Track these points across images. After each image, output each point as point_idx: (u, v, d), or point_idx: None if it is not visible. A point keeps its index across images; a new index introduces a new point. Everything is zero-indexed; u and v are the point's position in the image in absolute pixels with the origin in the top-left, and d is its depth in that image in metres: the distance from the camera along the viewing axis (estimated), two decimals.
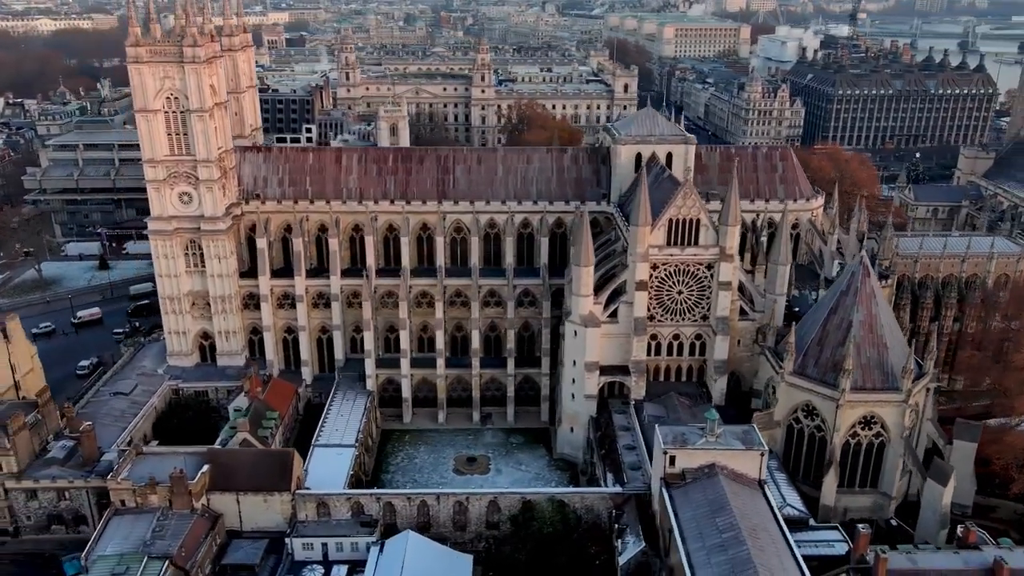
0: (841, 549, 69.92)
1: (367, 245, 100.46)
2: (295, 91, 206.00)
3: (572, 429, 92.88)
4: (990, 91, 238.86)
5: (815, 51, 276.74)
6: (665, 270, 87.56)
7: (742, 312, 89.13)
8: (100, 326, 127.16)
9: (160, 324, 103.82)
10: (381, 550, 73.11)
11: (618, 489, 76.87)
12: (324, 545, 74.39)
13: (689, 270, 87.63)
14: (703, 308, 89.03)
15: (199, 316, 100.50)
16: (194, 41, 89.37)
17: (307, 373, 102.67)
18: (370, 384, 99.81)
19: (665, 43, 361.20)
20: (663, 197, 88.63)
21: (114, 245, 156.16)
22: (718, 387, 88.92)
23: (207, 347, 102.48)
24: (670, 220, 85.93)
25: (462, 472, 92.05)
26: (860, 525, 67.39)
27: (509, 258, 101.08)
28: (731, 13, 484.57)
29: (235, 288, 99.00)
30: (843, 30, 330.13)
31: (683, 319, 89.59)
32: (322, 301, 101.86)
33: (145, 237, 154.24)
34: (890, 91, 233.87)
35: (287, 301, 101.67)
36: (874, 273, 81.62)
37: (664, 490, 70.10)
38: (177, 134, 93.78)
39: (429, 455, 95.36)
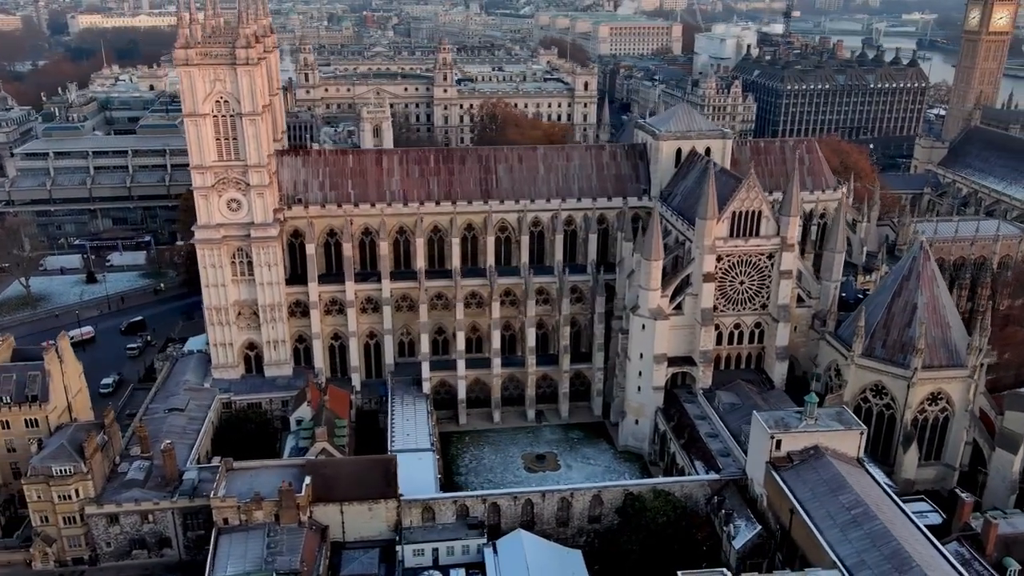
0: (934, 519, 73.95)
1: (416, 247, 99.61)
2: None
3: (637, 421, 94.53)
4: (923, 85, 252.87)
5: (758, 48, 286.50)
6: (728, 261, 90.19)
7: (799, 299, 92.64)
8: (92, 344, 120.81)
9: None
10: (494, 551, 73.18)
11: (715, 476, 78.96)
12: (435, 550, 73.68)
13: (751, 260, 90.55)
14: (763, 297, 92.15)
15: (245, 326, 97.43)
16: (247, 42, 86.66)
17: (356, 380, 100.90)
18: (426, 387, 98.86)
19: (601, 41, 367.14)
20: (719, 190, 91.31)
21: (94, 257, 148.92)
22: (779, 372, 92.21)
23: (252, 358, 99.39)
24: (734, 212, 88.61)
25: (533, 470, 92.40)
26: (963, 494, 71.69)
27: (558, 255, 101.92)
28: (647, 12, 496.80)
29: (284, 296, 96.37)
30: (775, 28, 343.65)
31: (744, 308, 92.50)
32: (370, 306, 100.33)
33: (134, 247, 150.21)
34: (834, 86, 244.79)
35: (334, 307, 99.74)
36: (932, 257, 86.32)
37: (774, 473, 72.61)
38: (226, 138, 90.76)
39: (495, 455, 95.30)
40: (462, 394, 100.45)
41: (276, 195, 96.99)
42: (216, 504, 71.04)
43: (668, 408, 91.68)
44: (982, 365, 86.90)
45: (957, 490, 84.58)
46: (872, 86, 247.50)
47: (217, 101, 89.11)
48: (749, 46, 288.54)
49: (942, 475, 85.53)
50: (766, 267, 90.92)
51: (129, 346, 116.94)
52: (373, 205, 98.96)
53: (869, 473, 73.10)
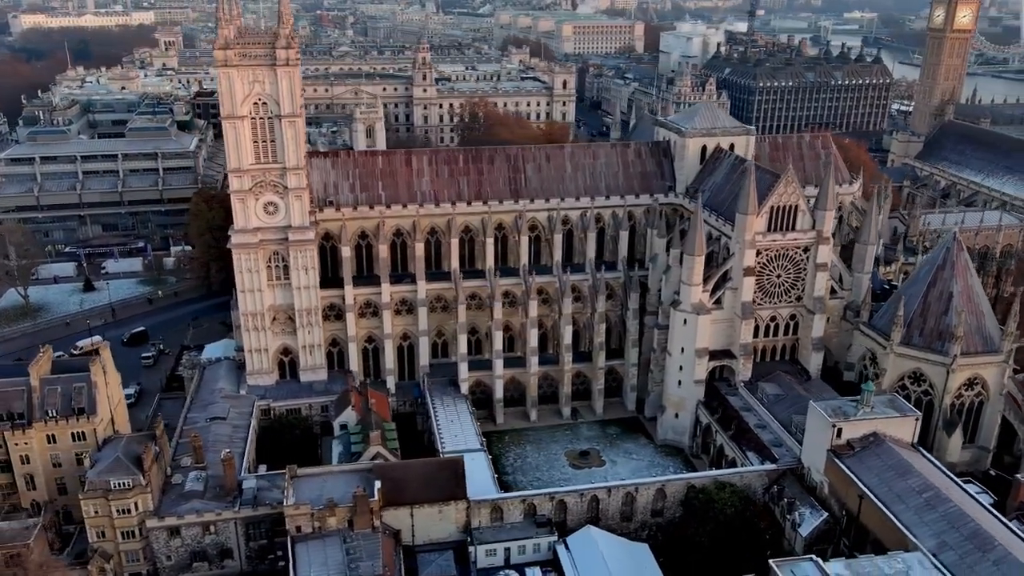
0: (986, 500, 76.57)
1: (450, 248, 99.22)
2: None
3: (677, 415, 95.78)
4: (887, 81, 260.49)
5: (727, 47, 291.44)
6: (767, 255, 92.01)
7: (832, 291, 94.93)
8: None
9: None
10: (566, 548, 73.61)
11: (772, 466, 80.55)
12: (507, 550, 73.83)
13: (788, 254, 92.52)
14: (798, 289, 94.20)
15: (279, 331, 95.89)
16: (287, 43, 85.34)
17: (391, 382, 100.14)
18: (464, 388, 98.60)
19: (565, 40, 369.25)
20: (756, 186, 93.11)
21: (87, 265, 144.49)
22: (815, 363, 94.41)
23: (286, 363, 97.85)
24: (772, 207, 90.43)
25: (579, 466, 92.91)
26: (1019, 475, 74.52)
27: (590, 253, 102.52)
28: (601, 11, 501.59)
29: (319, 300, 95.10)
30: (739, 26, 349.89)
31: (780, 301, 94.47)
32: (404, 307, 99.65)
33: (129, 254, 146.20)
34: (804, 82, 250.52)
35: (368, 310, 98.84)
36: (964, 247, 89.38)
37: (837, 461, 74.45)
38: (263, 141, 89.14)
39: (537, 453, 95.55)
40: (499, 393, 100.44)
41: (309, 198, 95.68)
42: (290, 512, 69.96)
43: (710, 401, 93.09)
44: (1014, 350, 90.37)
45: (991, 471, 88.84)
46: (839, 82, 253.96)
47: (255, 103, 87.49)
48: (719, 44, 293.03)
49: (977, 457, 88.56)
50: (802, 260, 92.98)
51: (144, 355, 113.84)
52: (405, 206, 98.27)
53: (926, 457, 75.45)
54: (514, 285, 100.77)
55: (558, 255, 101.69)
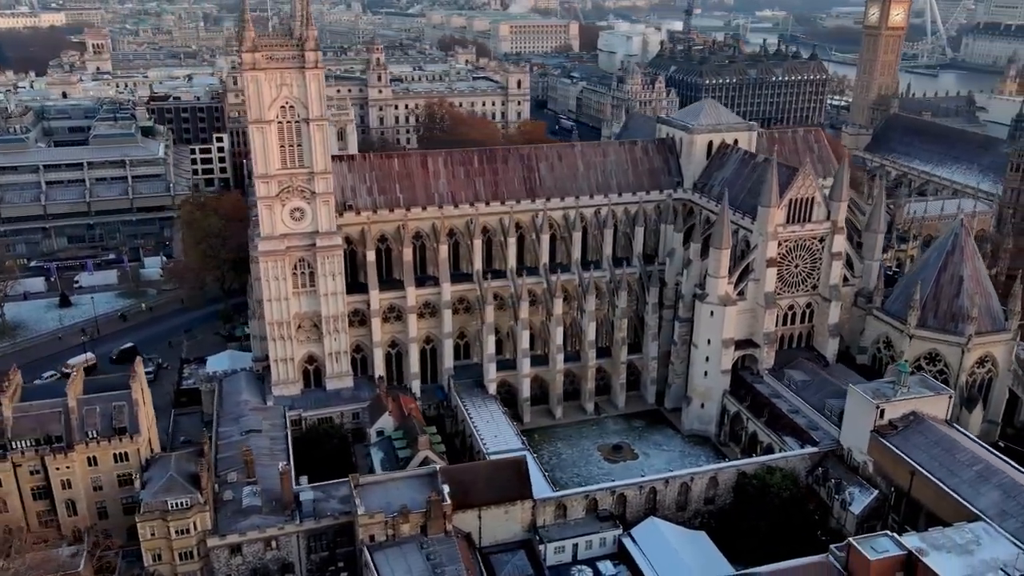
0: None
1: (472, 249, 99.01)
2: (199, 98, 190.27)
3: (703, 405, 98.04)
4: (823, 77, 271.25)
5: (671, 45, 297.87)
6: (785, 246, 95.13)
7: (844, 278, 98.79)
8: (95, 372, 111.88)
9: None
10: (632, 540, 74.71)
11: (814, 449, 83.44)
12: (575, 546, 74.40)
13: (805, 244, 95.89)
14: (814, 278, 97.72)
15: (305, 340, 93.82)
16: (315, 44, 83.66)
17: (416, 386, 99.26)
18: (492, 388, 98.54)
19: (502, 40, 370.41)
20: (761, 177, 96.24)
21: (59, 279, 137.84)
22: (831, 348, 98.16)
23: (311, 372, 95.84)
24: (791, 200, 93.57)
25: (614, 460, 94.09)
26: None
27: (607, 250, 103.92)
28: (532, 9, 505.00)
29: (346, 306, 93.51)
30: (675, 25, 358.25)
31: (797, 290, 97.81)
32: (427, 310, 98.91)
33: (99, 266, 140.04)
34: (747, 79, 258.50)
35: (392, 314, 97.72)
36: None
37: (883, 440, 77.76)
38: (290, 146, 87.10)
39: (570, 449, 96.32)
40: (526, 392, 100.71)
41: None
42: (364, 521, 68.81)
43: (736, 390, 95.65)
44: (1020, 327, 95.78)
45: (1000, 443, 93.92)
46: (780, 79, 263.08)
47: (282, 107, 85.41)
48: (662, 43, 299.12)
49: (987, 430, 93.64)
50: (818, 250, 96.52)
51: (147, 370, 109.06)
52: (425, 208, 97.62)
53: (963, 432, 79.58)
54: (535, 284, 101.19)
55: (577, 253, 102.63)
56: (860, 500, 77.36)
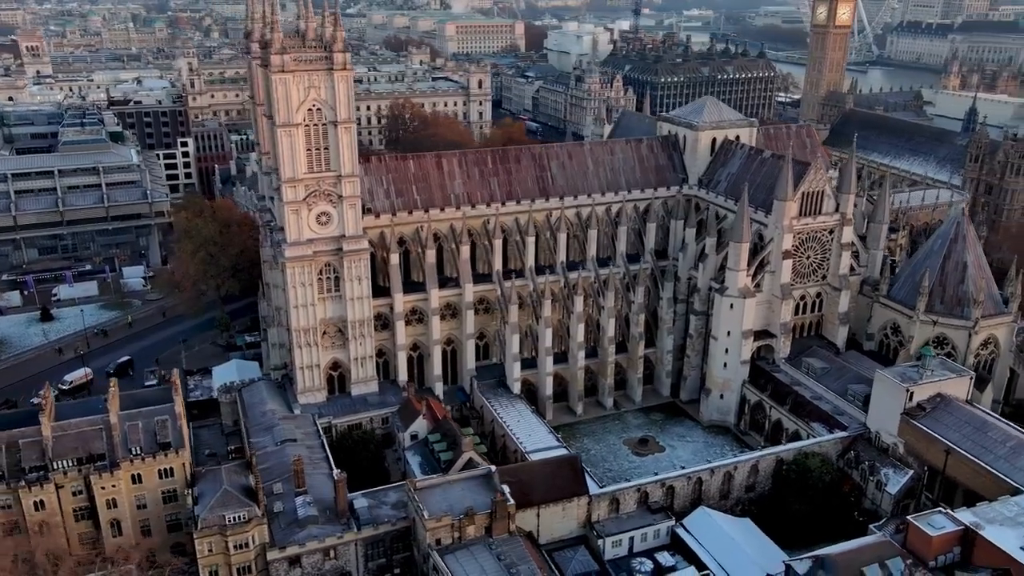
0: None
1: (492, 249, 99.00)
2: (160, 102, 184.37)
3: (722, 395, 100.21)
4: (771, 74, 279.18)
5: (624, 44, 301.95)
6: (798, 239, 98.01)
7: (851, 268, 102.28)
8: (93, 387, 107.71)
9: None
10: (686, 531, 76.08)
11: (843, 433, 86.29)
12: (631, 539, 75.32)
13: (816, 236, 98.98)
14: (824, 269, 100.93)
15: (330, 346, 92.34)
16: (344, 46, 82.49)
17: (439, 388, 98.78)
18: (516, 388, 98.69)
19: (448, 40, 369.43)
20: (769, 172, 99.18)
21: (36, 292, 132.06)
22: (841, 336, 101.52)
23: (335, 378, 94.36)
24: (803, 193, 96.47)
25: (642, 454, 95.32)
26: None
27: (621, 247, 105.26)
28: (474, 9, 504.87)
29: (372, 310, 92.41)
30: (623, 25, 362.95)
31: (808, 280, 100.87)
32: (449, 312, 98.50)
33: (79, 277, 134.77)
34: (700, 77, 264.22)
35: (414, 317, 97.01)
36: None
37: (914, 422, 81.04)
38: (317, 149, 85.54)
39: (597, 445, 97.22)
40: (548, 390, 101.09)
41: None
42: (431, 525, 68.31)
43: (756, 379, 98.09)
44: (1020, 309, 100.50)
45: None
46: (731, 76, 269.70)
47: (310, 109, 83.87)
48: (614, 42, 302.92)
49: (991, 408, 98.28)
50: (827, 241, 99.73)
51: (147, 384, 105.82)
52: (442, 210, 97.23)
53: (985, 411, 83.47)
54: (553, 282, 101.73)
55: (592, 250, 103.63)
56: (896, 480, 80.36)
